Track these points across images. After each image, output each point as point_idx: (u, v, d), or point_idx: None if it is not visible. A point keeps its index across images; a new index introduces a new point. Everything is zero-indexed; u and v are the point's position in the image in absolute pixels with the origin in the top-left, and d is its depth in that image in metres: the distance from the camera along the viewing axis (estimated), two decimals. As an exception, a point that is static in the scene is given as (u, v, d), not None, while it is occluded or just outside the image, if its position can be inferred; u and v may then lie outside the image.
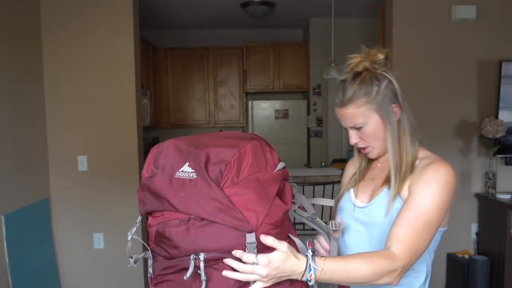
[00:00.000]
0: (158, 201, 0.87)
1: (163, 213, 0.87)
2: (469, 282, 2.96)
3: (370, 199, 1.15)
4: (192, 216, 0.83)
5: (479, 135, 3.12)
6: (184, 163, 0.87)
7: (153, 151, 0.94)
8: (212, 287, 0.84)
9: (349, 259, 0.95)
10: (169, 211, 0.86)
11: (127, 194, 3.03)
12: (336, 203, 1.26)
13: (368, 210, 1.13)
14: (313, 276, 0.88)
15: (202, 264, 0.82)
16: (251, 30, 5.62)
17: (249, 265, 0.83)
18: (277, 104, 5.37)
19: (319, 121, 5.43)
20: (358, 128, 1.09)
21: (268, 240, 0.84)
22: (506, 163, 3.16)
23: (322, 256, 0.92)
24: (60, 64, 2.95)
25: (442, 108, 3.14)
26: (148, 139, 5.34)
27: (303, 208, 1.01)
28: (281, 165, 0.93)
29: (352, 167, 1.28)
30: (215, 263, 0.84)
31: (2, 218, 2.37)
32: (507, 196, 2.92)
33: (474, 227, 3.20)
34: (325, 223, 1.07)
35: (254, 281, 0.85)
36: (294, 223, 2.04)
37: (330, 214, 2.64)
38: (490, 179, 3.04)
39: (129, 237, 0.96)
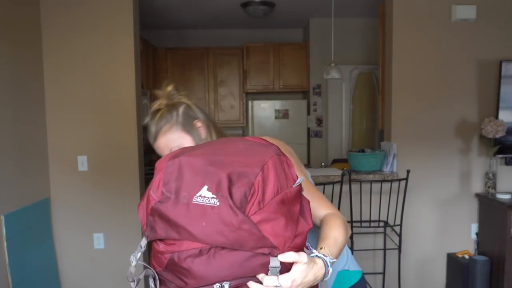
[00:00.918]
0: (173, 230, 0.77)
1: (179, 241, 0.78)
2: (469, 282, 2.96)
3: None
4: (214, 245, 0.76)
5: (479, 135, 3.12)
6: (202, 186, 0.77)
7: (162, 169, 0.83)
8: None
9: (330, 234, 0.98)
10: (187, 240, 0.77)
11: (127, 194, 3.03)
12: None
13: None
14: (330, 270, 0.88)
15: None
16: (251, 30, 5.62)
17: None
18: (277, 104, 5.37)
19: (319, 121, 5.43)
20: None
21: (289, 257, 0.79)
22: (506, 163, 3.16)
23: (320, 248, 0.92)
24: (60, 64, 2.95)
25: (442, 108, 3.14)
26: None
27: None
28: (300, 180, 0.87)
29: None
30: None
31: (2, 218, 2.37)
32: (507, 196, 2.92)
33: (474, 227, 3.20)
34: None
35: None
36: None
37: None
38: (490, 179, 3.04)
39: (134, 263, 0.86)
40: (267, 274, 0.78)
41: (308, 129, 5.46)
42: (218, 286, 0.77)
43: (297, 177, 0.86)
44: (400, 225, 2.86)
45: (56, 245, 3.03)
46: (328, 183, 2.71)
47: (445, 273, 3.24)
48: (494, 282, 2.91)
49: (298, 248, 0.82)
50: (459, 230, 3.21)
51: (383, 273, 3.10)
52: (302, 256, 0.80)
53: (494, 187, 3.03)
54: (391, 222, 2.94)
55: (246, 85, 5.37)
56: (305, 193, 0.92)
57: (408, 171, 2.85)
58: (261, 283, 0.79)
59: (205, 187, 0.77)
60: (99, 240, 3.05)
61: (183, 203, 0.77)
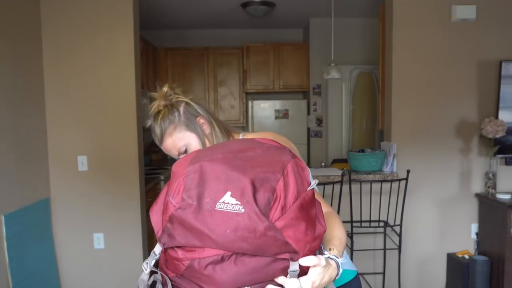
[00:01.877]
0: (195, 237, 0.76)
1: (201, 248, 0.77)
2: (469, 282, 2.96)
3: None
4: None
5: (479, 135, 3.12)
6: (225, 192, 0.76)
7: (182, 175, 0.81)
8: None
9: (334, 234, 1.01)
10: (208, 248, 0.76)
11: (127, 194, 3.03)
12: None
13: None
14: (341, 270, 0.90)
15: None
16: (251, 30, 5.62)
17: None
18: (277, 104, 5.37)
19: (319, 121, 5.43)
20: (185, 152, 1.23)
21: (310, 261, 0.80)
22: (506, 163, 3.17)
23: (330, 249, 0.94)
24: (60, 64, 2.95)
25: (442, 108, 3.14)
26: (148, 139, 5.34)
27: None
28: (314, 182, 0.88)
29: None
30: None
31: (2, 218, 2.37)
32: (507, 196, 2.92)
33: (474, 227, 3.20)
34: None
35: None
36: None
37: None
38: (490, 179, 3.04)
39: (147, 270, 0.83)
40: (285, 277, 0.79)
41: (308, 129, 5.47)
42: None
43: (311, 180, 0.87)
44: (400, 225, 2.86)
45: (56, 245, 3.03)
46: (328, 183, 2.71)
47: (445, 273, 3.24)
48: (494, 282, 2.91)
49: (315, 251, 0.83)
50: (459, 230, 3.21)
51: (383, 273, 3.10)
52: (321, 260, 0.82)
53: (494, 187, 3.03)
54: (391, 222, 2.94)
55: (246, 85, 5.37)
56: None
57: (408, 171, 2.85)
58: (279, 285, 0.79)
59: (229, 193, 0.76)
60: (99, 240, 3.05)
61: (206, 209, 0.76)
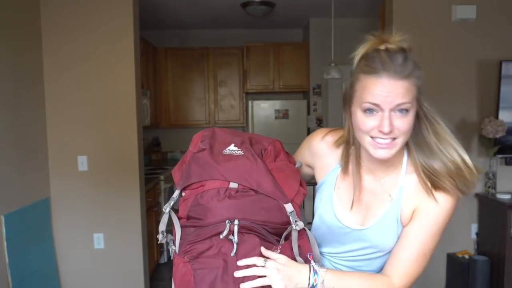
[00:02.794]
0: (206, 171, 0.96)
1: (202, 184, 0.95)
2: (469, 282, 2.96)
3: (365, 220, 1.06)
4: (230, 186, 0.94)
5: (479, 135, 3.12)
6: (230, 144, 1.00)
7: (200, 134, 1.05)
8: (242, 250, 0.91)
9: (349, 274, 1.02)
10: (209, 182, 0.95)
11: (127, 194, 3.03)
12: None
13: (365, 234, 1.06)
14: (318, 280, 0.92)
15: (236, 228, 0.90)
16: (251, 30, 5.62)
17: (260, 268, 0.90)
18: (277, 104, 5.37)
19: (319, 121, 5.43)
20: (401, 111, 0.91)
21: (266, 252, 0.92)
22: (506, 163, 3.16)
23: (323, 268, 0.97)
24: (60, 64, 2.95)
25: (442, 108, 3.09)
26: (148, 139, 5.34)
27: None
28: (298, 164, 1.08)
29: (327, 152, 1.13)
30: (246, 231, 0.92)
31: (2, 218, 2.37)
32: (507, 196, 2.92)
33: (474, 227, 3.20)
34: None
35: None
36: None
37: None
38: (490, 179, 3.04)
39: (167, 210, 0.99)
40: (277, 218, 0.94)
41: (308, 129, 5.46)
42: (228, 222, 0.91)
43: (295, 163, 1.08)
44: (400, 225, 2.86)
45: (56, 245, 3.03)
46: (328, 183, 2.72)
47: (445, 273, 3.24)
48: (494, 282, 2.91)
49: (299, 205, 0.97)
50: (459, 230, 3.21)
51: (383, 273, 3.10)
52: (281, 255, 0.93)
53: (494, 187, 3.03)
54: (391, 222, 2.93)
55: (246, 85, 5.37)
56: (407, 247, 1.00)
57: (408, 171, 2.85)
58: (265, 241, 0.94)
59: (232, 144, 1.00)
60: (99, 240, 3.05)
61: (216, 151, 0.99)
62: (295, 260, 0.95)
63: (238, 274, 0.89)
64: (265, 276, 0.90)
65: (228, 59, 5.38)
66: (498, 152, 3.03)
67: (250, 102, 5.38)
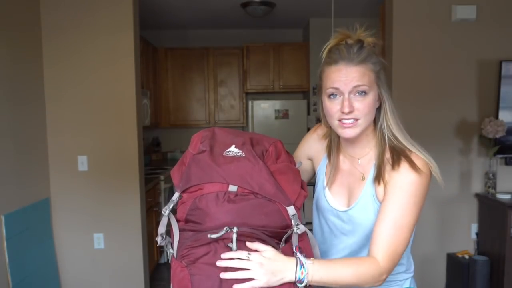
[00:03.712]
0: (207, 174, 0.93)
1: (201, 187, 0.93)
2: (469, 282, 2.96)
3: (349, 201, 1.15)
4: (229, 190, 0.91)
5: (479, 135, 3.12)
6: (231, 145, 0.97)
7: (199, 135, 1.01)
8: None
9: (336, 262, 1.02)
10: (207, 185, 0.92)
11: (127, 194, 3.03)
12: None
13: (350, 214, 1.14)
14: (304, 273, 0.91)
15: (234, 237, 0.88)
16: (251, 30, 5.62)
17: (243, 261, 0.88)
18: (277, 104, 5.36)
19: (319, 121, 5.42)
20: (360, 93, 1.03)
21: (253, 245, 0.90)
22: (506, 163, 3.16)
23: (309, 258, 0.95)
24: (60, 63, 2.95)
25: (442, 108, 3.14)
26: (148, 139, 5.34)
27: None
28: (299, 164, 1.07)
29: (317, 144, 1.28)
30: (246, 238, 0.90)
31: (2, 218, 2.37)
32: (507, 196, 2.92)
33: (474, 227, 3.20)
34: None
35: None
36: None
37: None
38: (490, 179, 3.04)
39: (166, 212, 0.97)
40: (279, 219, 0.93)
41: (308, 129, 5.46)
42: (226, 229, 0.88)
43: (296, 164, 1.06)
44: (400, 225, 2.86)
45: (56, 245, 3.03)
46: (328, 183, 2.71)
47: (445, 273, 3.24)
48: (494, 282, 2.91)
49: (299, 207, 0.96)
50: (459, 230, 3.21)
51: (383, 273, 3.10)
52: (268, 247, 0.91)
53: (494, 187, 3.03)
54: (391, 222, 2.93)
55: (246, 85, 5.37)
56: (387, 220, 1.01)
57: (408, 171, 2.85)
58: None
59: (233, 145, 0.97)
60: (99, 240, 3.05)
61: (216, 153, 0.96)
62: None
63: (220, 263, 0.88)
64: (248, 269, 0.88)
65: (228, 59, 5.38)
66: (498, 152, 3.03)
67: (250, 102, 5.38)
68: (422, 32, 3.10)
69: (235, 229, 0.88)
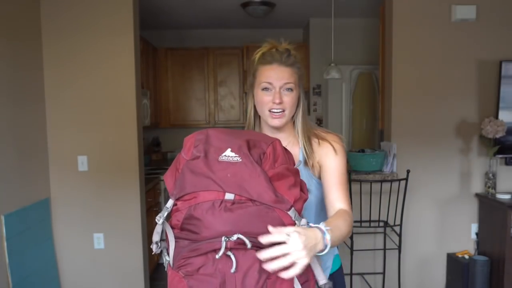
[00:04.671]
0: (202, 182, 0.89)
1: (195, 196, 0.90)
2: (469, 282, 2.96)
3: None
4: (225, 198, 0.88)
5: (479, 135, 3.12)
6: (226, 149, 0.93)
7: (192, 138, 0.98)
8: (242, 265, 0.88)
9: (333, 220, 1.09)
10: (202, 193, 0.89)
11: (127, 194, 3.04)
12: None
13: None
14: (328, 239, 0.93)
15: (223, 245, 0.86)
16: (251, 30, 5.62)
17: (282, 245, 0.82)
18: (277, 104, 5.36)
19: (319, 121, 5.43)
20: (288, 89, 1.25)
21: (276, 230, 0.85)
22: (506, 163, 3.17)
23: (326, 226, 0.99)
24: (60, 64, 2.95)
25: (442, 108, 3.14)
26: (148, 139, 5.34)
27: None
28: (298, 163, 1.07)
29: None
30: (244, 246, 0.87)
31: (2, 218, 2.37)
32: (507, 196, 2.92)
33: (474, 227, 3.20)
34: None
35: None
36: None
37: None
38: (490, 179, 3.04)
39: (160, 221, 0.95)
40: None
41: (308, 129, 5.46)
42: (225, 239, 0.86)
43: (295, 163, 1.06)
44: (400, 225, 2.86)
45: (56, 245, 3.03)
46: (328, 183, 2.72)
47: (445, 273, 3.24)
48: (494, 282, 2.91)
49: (300, 212, 0.95)
50: (459, 230, 3.21)
51: (383, 273, 3.10)
52: (283, 235, 0.84)
53: (494, 187, 3.04)
54: (391, 222, 2.94)
55: (246, 85, 5.37)
56: (333, 182, 1.23)
57: (408, 171, 2.85)
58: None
59: (229, 149, 0.93)
60: (99, 240, 3.05)
61: (211, 159, 0.92)
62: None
63: (263, 255, 0.83)
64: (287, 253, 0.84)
65: (228, 59, 5.38)
66: (498, 152, 3.04)
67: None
68: (422, 32, 3.10)
69: (234, 237, 0.86)
